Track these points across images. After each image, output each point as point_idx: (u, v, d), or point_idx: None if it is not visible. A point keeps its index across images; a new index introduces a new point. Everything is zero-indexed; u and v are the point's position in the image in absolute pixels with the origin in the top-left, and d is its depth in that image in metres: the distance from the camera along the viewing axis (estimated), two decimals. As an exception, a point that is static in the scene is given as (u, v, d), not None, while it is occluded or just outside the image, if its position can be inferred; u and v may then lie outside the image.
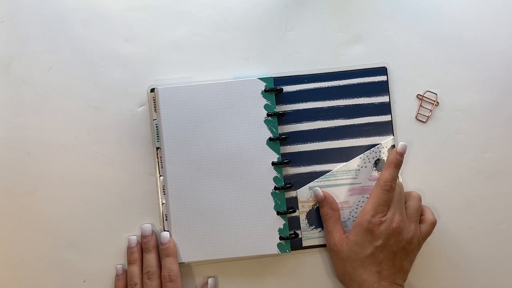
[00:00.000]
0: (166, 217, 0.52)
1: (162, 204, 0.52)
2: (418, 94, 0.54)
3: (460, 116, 0.54)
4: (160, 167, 0.53)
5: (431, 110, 0.54)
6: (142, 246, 0.52)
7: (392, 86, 0.54)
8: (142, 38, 0.54)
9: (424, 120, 0.54)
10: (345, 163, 0.53)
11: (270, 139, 0.51)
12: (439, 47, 0.55)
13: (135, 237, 0.52)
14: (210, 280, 0.52)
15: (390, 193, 0.49)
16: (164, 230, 0.52)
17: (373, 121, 0.53)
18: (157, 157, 0.53)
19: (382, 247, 0.48)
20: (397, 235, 0.48)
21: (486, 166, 0.54)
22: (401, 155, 0.51)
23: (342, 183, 0.53)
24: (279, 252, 0.51)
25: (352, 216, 0.53)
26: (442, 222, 0.53)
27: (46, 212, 0.52)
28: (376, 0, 0.55)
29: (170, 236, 0.51)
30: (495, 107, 0.54)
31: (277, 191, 0.51)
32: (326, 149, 0.53)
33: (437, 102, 0.54)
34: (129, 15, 0.54)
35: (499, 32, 0.55)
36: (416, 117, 0.54)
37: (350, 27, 0.55)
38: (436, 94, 0.54)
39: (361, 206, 0.53)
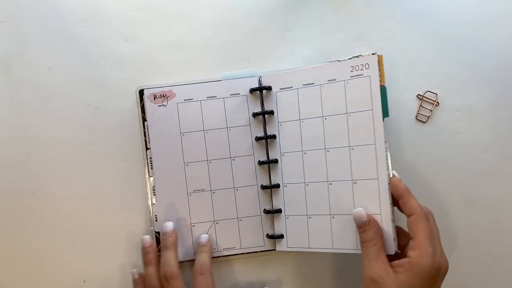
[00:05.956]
0: (156, 217, 0.52)
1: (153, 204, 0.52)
2: (418, 94, 0.54)
3: (460, 116, 0.54)
4: (150, 168, 0.52)
5: (431, 110, 0.54)
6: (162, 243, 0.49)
7: (392, 86, 0.54)
8: (142, 38, 0.54)
9: (424, 120, 0.54)
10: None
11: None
12: (439, 47, 0.54)
13: (149, 236, 0.50)
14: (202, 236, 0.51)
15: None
16: (156, 222, 0.51)
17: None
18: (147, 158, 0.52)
19: None
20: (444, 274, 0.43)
21: (486, 166, 0.54)
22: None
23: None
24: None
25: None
26: (442, 222, 0.53)
27: (46, 212, 0.52)
28: (376, 0, 0.55)
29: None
30: (495, 107, 0.54)
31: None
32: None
33: (437, 102, 0.54)
34: (129, 15, 0.54)
35: (499, 32, 0.55)
36: (416, 117, 0.54)
37: (350, 27, 0.54)
38: (436, 94, 0.54)
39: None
